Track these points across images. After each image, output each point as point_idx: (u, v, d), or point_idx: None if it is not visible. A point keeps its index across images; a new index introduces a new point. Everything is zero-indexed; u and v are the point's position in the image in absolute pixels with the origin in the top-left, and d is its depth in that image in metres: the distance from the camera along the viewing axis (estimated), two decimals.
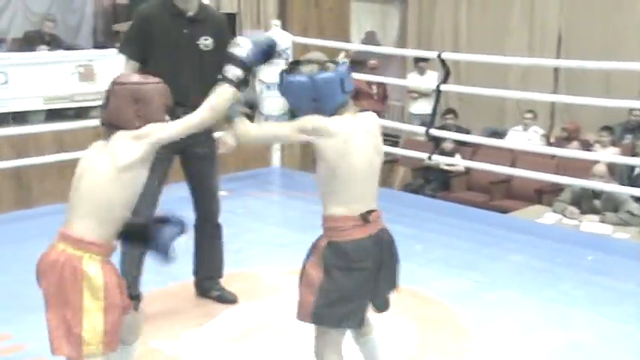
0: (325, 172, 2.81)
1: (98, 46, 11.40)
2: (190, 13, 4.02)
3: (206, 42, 4.02)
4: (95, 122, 7.60)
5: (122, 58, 4.05)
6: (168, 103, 2.85)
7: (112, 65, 7.84)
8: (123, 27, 10.75)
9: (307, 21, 10.39)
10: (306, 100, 2.78)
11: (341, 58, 3.55)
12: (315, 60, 2.83)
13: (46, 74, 7.49)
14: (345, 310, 2.77)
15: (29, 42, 8.89)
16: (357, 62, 10.76)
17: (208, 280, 4.36)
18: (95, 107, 8.35)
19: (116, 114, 2.79)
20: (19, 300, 4.23)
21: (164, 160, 3.89)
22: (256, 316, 4.14)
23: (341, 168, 2.76)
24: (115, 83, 2.83)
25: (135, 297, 3.56)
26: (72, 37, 11.63)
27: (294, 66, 2.85)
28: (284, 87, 2.84)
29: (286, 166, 8.06)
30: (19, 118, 7.81)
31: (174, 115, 2.88)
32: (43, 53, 8.29)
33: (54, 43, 8.88)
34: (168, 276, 4.64)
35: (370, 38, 11.78)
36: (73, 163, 7.57)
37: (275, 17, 9.64)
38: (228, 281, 4.60)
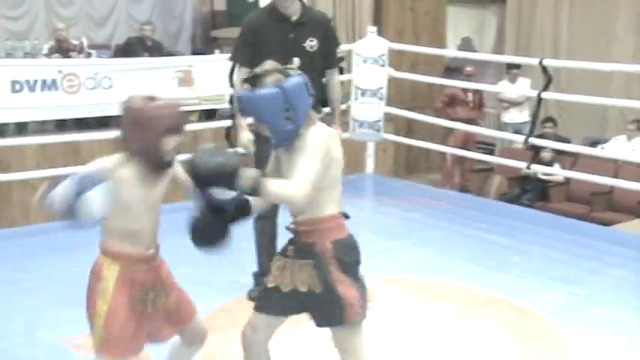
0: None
1: (196, 52, 11.67)
2: (294, 18, 4.20)
3: (312, 43, 4.20)
4: (193, 127, 7.90)
5: (236, 65, 4.35)
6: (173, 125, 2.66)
7: (211, 70, 8.10)
8: (221, 33, 11.01)
9: (403, 26, 10.34)
10: (278, 111, 2.62)
11: (295, 64, 3.68)
12: (275, 69, 2.70)
13: (147, 79, 7.69)
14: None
15: (131, 48, 9.16)
16: (453, 69, 10.64)
17: None
18: (193, 112, 8.58)
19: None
20: None
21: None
22: None
23: (330, 173, 2.70)
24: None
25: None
26: (172, 44, 11.94)
27: (255, 80, 2.68)
28: (252, 103, 2.66)
29: (379, 173, 8.03)
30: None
31: None
32: (144, 59, 8.53)
33: (155, 48, 9.13)
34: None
35: (466, 44, 11.63)
36: None
37: (370, 22, 9.67)
38: None
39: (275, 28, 4.17)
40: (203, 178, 2.55)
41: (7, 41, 10.03)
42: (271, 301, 2.92)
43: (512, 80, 9.53)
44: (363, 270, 4.83)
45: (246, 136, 4.22)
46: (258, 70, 2.72)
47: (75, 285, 4.53)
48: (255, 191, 2.58)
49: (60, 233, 5.81)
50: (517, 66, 9.33)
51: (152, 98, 2.67)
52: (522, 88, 9.23)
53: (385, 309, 4.26)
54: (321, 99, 4.27)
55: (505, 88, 9.47)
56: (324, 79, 4.41)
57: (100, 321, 2.72)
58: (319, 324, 2.90)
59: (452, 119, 8.62)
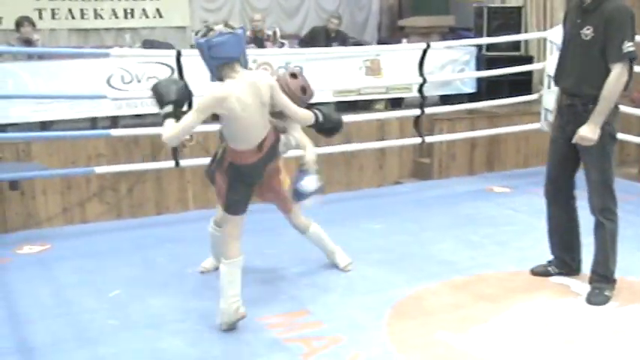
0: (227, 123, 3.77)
1: (382, 41, 11.74)
2: (586, 3, 4.07)
3: (587, 32, 4.04)
4: (380, 115, 7.96)
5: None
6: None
7: (398, 60, 8.12)
8: (408, 22, 10.98)
9: None
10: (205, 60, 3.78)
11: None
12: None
13: (336, 68, 7.82)
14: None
15: (315, 38, 9.36)
16: None
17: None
18: (380, 100, 8.64)
19: None
20: (316, 280, 4.51)
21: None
22: (544, 317, 3.99)
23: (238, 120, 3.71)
24: None
25: None
26: (359, 33, 12.10)
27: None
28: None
29: None
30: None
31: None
32: (334, 48, 8.68)
33: (339, 38, 9.26)
34: (453, 268, 4.69)
35: None
36: (358, 154, 7.94)
37: (562, 9, 9.26)
38: (511, 279, 4.52)
39: (572, 13, 4.19)
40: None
41: None
42: None
43: None
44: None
45: None
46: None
47: (270, 267, 4.78)
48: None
49: (254, 215, 6.13)
50: None
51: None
52: None
53: (579, 309, 4.09)
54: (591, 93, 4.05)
55: None
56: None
57: None
58: None
59: None
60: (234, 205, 3.93)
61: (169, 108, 3.75)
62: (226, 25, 3.75)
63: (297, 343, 3.72)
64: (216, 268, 4.38)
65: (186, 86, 3.93)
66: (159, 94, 3.82)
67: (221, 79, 3.74)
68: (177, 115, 3.75)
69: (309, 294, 4.33)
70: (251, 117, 3.74)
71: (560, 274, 4.52)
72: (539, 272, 4.58)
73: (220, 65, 3.70)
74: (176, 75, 4.05)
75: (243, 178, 3.92)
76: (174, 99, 3.77)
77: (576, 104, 4.12)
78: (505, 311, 4.06)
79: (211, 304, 4.16)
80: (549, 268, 4.58)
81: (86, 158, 6.79)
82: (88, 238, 5.69)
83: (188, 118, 3.67)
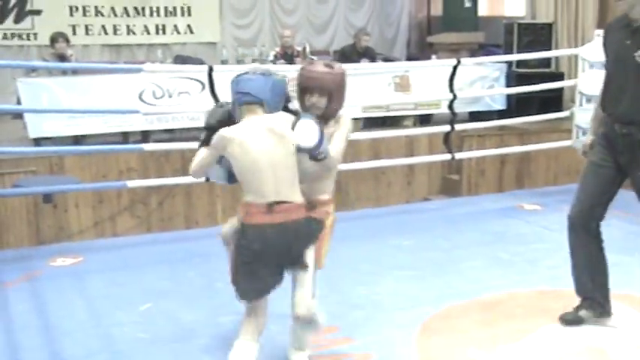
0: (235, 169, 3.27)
1: (412, 57, 11.76)
2: (636, 24, 3.72)
3: None
4: (409, 132, 7.95)
5: None
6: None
7: (427, 76, 8.13)
8: (437, 39, 10.98)
9: None
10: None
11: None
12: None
13: (365, 84, 7.85)
14: None
15: (345, 55, 9.41)
16: None
17: None
18: (409, 117, 8.65)
19: None
20: (345, 296, 4.50)
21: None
22: (574, 338, 3.95)
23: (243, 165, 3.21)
24: None
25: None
26: (388, 49, 12.14)
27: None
28: None
29: None
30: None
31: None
32: (363, 64, 8.71)
33: (368, 54, 9.29)
34: (483, 286, 4.67)
35: None
36: (386, 170, 7.94)
37: (594, 26, 9.21)
38: (542, 298, 4.48)
39: (618, 33, 3.80)
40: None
41: (237, 48, 10.69)
42: None
43: None
44: None
45: None
46: None
47: None
48: None
49: None
50: None
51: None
52: None
53: (612, 328, 4.05)
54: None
55: None
56: None
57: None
58: None
59: None
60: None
61: (203, 134, 3.41)
62: (267, 71, 3.39)
63: (327, 359, 3.71)
64: None
65: (230, 112, 3.42)
66: (205, 117, 3.49)
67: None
68: (207, 141, 3.40)
69: (338, 310, 4.32)
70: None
71: (594, 317, 4.10)
72: (570, 320, 4.11)
73: (240, 105, 3.30)
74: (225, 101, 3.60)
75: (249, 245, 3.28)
76: (212, 124, 3.38)
77: (633, 132, 3.78)
78: (535, 331, 4.02)
79: (241, 319, 4.17)
80: (580, 314, 4.12)
81: (117, 172, 6.86)
82: (118, 252, 5.74)
83: (202, 154, 3.37)
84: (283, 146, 3.23)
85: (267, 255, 3.24)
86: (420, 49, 12.47)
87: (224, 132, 3.24)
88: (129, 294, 4.67)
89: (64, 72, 7.61)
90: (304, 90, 3.40)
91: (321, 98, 3.37)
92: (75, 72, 7.72)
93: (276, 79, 3.34)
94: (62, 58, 7.90)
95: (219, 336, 4.01)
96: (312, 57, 9.34)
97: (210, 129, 3.36)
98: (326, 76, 3.39)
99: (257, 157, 3.19)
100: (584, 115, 6.91)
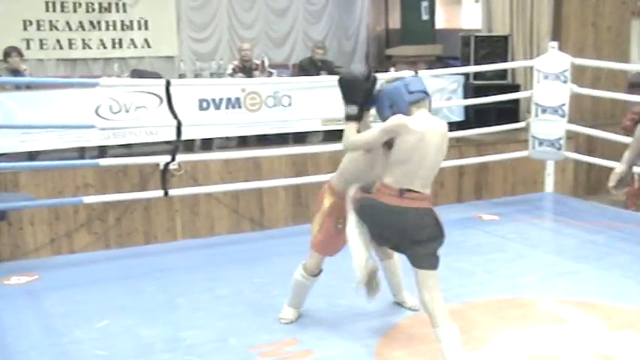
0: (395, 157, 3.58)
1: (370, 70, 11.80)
2: None
3: None
4: None
5: None
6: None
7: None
8: (395, 51, 11.09)
9: (584, 41, 9.98)
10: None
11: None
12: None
13: (324, 97, 7.87)
14: None
15: (304, 69, 9.45)
16: (637, 84, 10.14)
17: None
18: None
19: None
20: (306, 309, 4.48)
21: None
22: (532, 344, 3.99)
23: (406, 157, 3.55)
24: None
25: None
26: (347, 62, 12.18)
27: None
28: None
29: (560, 192, 7.76)
30: (300, 138, 8.30)
31: None
32: (322, 77, 8.73)
33: (326, 67, 9.33)
34: (443, 296, 4.68)
35: None
36: None
37: (549, 38, 9.39)
38: (501, 307, 4.52)
39: None
40: None
41: (195, 62, 10.65)
42: None
43: None
44: (545, 291, 4.73)
45: None
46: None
47: (260, 296, 4.76)
48: None
49: (241, 245, 6.11)
50: None
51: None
52: None
53: (569, 335, 4.10)
54: None
55: None
56: None
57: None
58: None
59: None
60: None
61: (354, 110, 3.77)
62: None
63: None
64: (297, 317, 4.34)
65: (372, 86, 3.82)
66: (346, 88, 3.82)
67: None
68: (360, 118, 3.78)
69: (298, 323, 4.31)
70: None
71: None
72: None
73: (412, 102, 3.63)
74: (363, 71, 3.93)
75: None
76: (361, 101, 3.77)
77: None
78: (495, 339, 4.05)
79: (201, 334, 4.14)
80: None
81: (74, 188, 6.78)
82: (76, 269, 5.64)
83: (373, 134, 3.68)
84: (443, 146, 3.67)
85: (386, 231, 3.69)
86: (379, 62, 12.55)
87: (406, 120, 3.53)
88: (87, 311, 4.59)
89: (17, 87, 7.51)
90: None
91: None
92: (29, 87, 7.60)
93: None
94: (16, 72, 7.79)
95: (179, 350, 3.97)
96: (271, 70, 9.36)
97: (360, 105, 3.76)
98: None
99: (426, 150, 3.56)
100: (540, 126, 7.02)
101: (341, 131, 8.23)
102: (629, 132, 8.47)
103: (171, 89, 5.92)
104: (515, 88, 9.28)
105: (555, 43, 7.23)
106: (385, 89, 3.72)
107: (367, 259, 3.79)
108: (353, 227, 3.81)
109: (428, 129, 3.57)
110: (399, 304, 4.49)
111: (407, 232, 3.60)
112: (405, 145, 3.53)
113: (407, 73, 7.17)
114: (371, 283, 3.83)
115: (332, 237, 4.08)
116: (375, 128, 3.69)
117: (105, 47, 10.86)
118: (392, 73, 9.07)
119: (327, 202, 4.08)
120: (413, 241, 3.60)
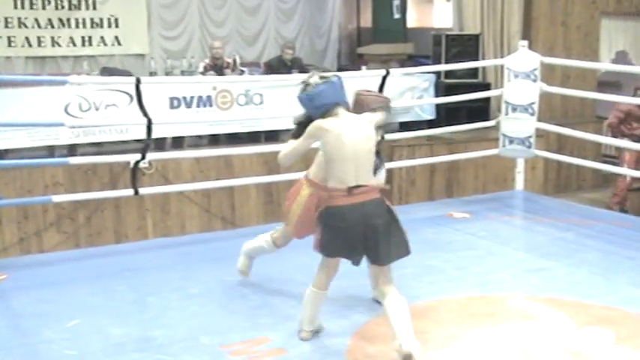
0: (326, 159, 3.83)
1: (342, 68, 11.84)
2: None
3: None
4: None
5: None
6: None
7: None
8: (367, 50, 11.10)
9: (553, 40, 10.07)
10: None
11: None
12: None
13: (295, 96, 7.84)
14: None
15: (272, 68, 9.43)
16: (608, 83, 10.26)
17: None
18: None
19: None
20: (277, 308, 4.49)
21: None
22: (502, 341, 4.03)
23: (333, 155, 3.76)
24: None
25: None
26: (319, 61, 12.21)
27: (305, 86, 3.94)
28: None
29: (530, 190, 7.83)
30: (271, 136, 8.28)
31: None
32: (294, 75, 8.72)
33: (296, 66, 9.32)
34: (414, 293, 4.71)
35: (621, 58, 11.15)
36: None
37: (519, 37, 9.46)
38: (471, 304, 4.55)
39: None
40: None
41: (166, 60, 10.58)
42: None
43: None
44: (515, 288, 4.78)
45: None
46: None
47: (231, 294, 4.75)
48: None
49: (212, 244, 6.08)
50: None
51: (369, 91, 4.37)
52: None
53: (537, 331, 4.14)
54: None
55: None
56: None
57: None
58: None
59: (625, 136, 8.23)
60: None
61: (294, 129, 4.06)
62: (321, 77, 3.93)
63: None
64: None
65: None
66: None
67: None
68: (298, 134, 3.98)
69: (270, 321, 4.31)
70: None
71: None
72: None
73: (323, 113, 3.85)
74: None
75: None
76: (301, 120, 4.01)
77: None
78: (465, 336, 4.08)
79: (172, 333, 4.12)
80: None
81: (43, 187, 6.71)
82: (45, 268, 5.58)
83: (298, 142, 3.94)
84: (368, 134, 3.85)
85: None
86: (351, 61, 12.59)
87: (322, 123, 3.79)
88: (57, 310, 4.55)
89: None
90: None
91: None
92: None
93: (336, 82, 3.93)
94: None
95: (150, 350, 3.94)
96: (243, 68, 9.32)
97: (300, 123, 3.98)
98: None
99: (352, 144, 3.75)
100: (510, 124, 7.07)
101: None
102: (614, 129, 8.56)
103: (142, 87, 5.87)
104: (486, 86, 9.34)
105: (525, 42, 7.29)
106: (300, 99, 3.98)
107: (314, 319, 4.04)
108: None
109: (345, 125, 3.79)
110: (377, 301, 4.48)
111: (367, 225, 3.75)
112: (328, 146, 3.77)
113: (378, 73, 7.21)
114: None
115: (310, 217, 4.12)
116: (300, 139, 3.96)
117: (74, 45, 10.76)
118: (362, 71, 9.13)
119: (306, 190, 4.31)
120: (374, 231, 3.75)
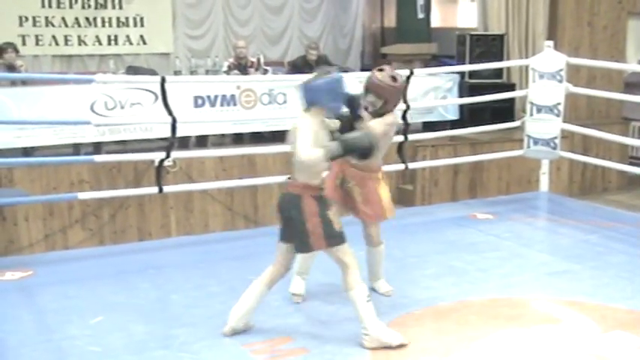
0: None
1: (366, 68, 11.82)
2: None
3: None
4: None
5: None
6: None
7: None
8: (391, 50, 11.07)
9: (579, 41, 9.98)
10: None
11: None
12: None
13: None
14: None
15: (297, 67, 9.43)
16: (635, 84, 10.15)
17: None
18: None
19: None
20: (299, 307, 4.49)
21: None
22: (525, 343, 4.00)
23: None
24: None
25: None
26: (342, 60, 12.19)
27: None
28: None
29: (554, 192, 7.77)
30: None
31: None
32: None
33: (321, 64, 9.29)
34: (436, 294, 4.70)
35: None
36: None
37: (544, 37, 9.39)
38: (494, 306, 4.53)
39: None
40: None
41: (190, 59, 10.63)
42: None
43: None
44: (539, 290, 4.74)
45: None
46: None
47: None
48: None
49: (235, 242, 6.10)
50: None
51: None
52: None
53: (562, 335, 4.10)
54: None
55: None
56: None
57: None
58: None
59: None
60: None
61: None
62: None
63: None
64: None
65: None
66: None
67: None
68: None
69: (292, 321, 4.32)
70: None
71: None
72: None
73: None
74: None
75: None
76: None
77: None
78: (487, 337, 4.06)
79: (195, 331, 4.14)
80: None
81: (69, 184, 6.77)
82: (70, 265, 5.64)
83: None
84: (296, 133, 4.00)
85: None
86: (374, 60, 12.55)
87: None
88: (80, 307, 4.59)
89: (13, 83, 7.49)
90: (366, 90, 4.38)
91: (377, 100, 4.37)
92: (25, 83, 7.60)
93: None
94: (11, 68, 7.77)
95: (172, 347, 3.97)
96: (267, 67, 9.35)
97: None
98: (385, 86, 4.34)
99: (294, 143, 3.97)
100: (535, 125, 7.03)
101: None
102: None
103: (167, 86, 5.91)
104: (511, 87, 9.28)
105: (551, 42, 7.24)
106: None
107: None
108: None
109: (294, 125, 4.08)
110: (374, 290, 4.63)
111: (281, 213, 4.03)
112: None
113: (402, 73, 7.18)
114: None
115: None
116: None
117: (100, 44, 10.85)
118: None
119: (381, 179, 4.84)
120: (286, 221, 4.01)
